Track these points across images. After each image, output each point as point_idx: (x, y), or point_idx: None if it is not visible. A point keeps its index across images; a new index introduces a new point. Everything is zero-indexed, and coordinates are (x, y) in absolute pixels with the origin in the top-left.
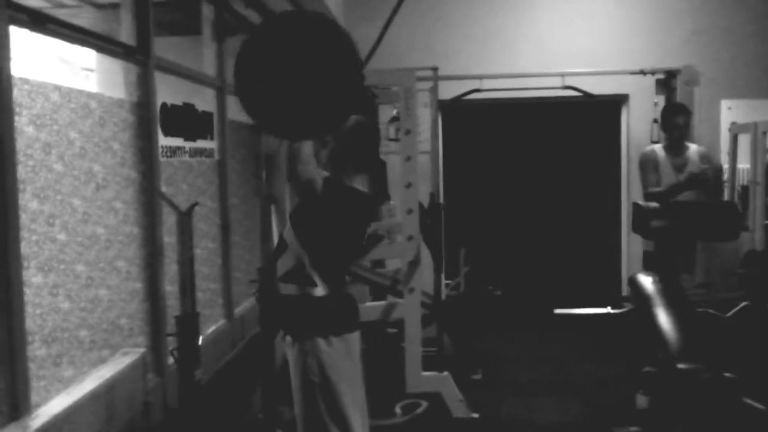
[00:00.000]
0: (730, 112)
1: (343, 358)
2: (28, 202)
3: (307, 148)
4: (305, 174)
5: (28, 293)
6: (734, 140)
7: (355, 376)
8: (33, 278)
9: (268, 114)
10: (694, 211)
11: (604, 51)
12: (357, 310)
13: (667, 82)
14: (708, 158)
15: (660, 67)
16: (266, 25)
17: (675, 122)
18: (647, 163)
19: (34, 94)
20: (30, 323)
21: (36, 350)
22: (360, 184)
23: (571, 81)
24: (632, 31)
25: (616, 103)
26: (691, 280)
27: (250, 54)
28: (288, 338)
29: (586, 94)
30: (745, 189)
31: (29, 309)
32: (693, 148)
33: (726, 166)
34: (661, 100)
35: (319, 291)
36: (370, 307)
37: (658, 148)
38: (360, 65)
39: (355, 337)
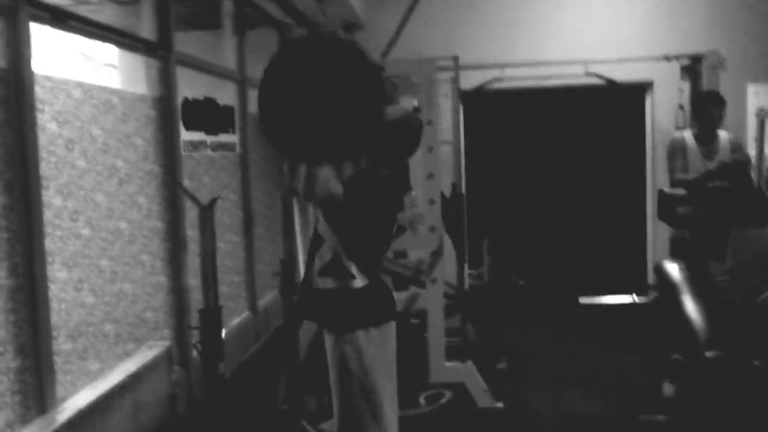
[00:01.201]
0: (756, 96)
1: (381, 348)
2: (51, 199)
3: (325, 168)
4: (322, 193)
5: (53, 288)
6: (761, 125)
7: (390, 367)
8: (58, 273)
9: (290, 140)
10: (721, 197)
11: (627, 37)
12: (393, 299)
13: (692, 67)
14: (739, 145)
15: (684, 53)
16: (291, 48)
17: (709, 112)
18: (676, 150)
19: (57, 90)
20: (55, 318)
21: (61, 344)
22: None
23: (594, 68)
24: (655, 17)
25: (640, 89)
26: (721, 267)
27: (274, 78)
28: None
29: (610, 82)
30: None
31: (54, 304)
32: (723, 136)
33: (753, 152)
34: (686, 86)
35: (358, 282)
36: None
37: (688, 134)
38: (384, 96)
39: (392, 327)
